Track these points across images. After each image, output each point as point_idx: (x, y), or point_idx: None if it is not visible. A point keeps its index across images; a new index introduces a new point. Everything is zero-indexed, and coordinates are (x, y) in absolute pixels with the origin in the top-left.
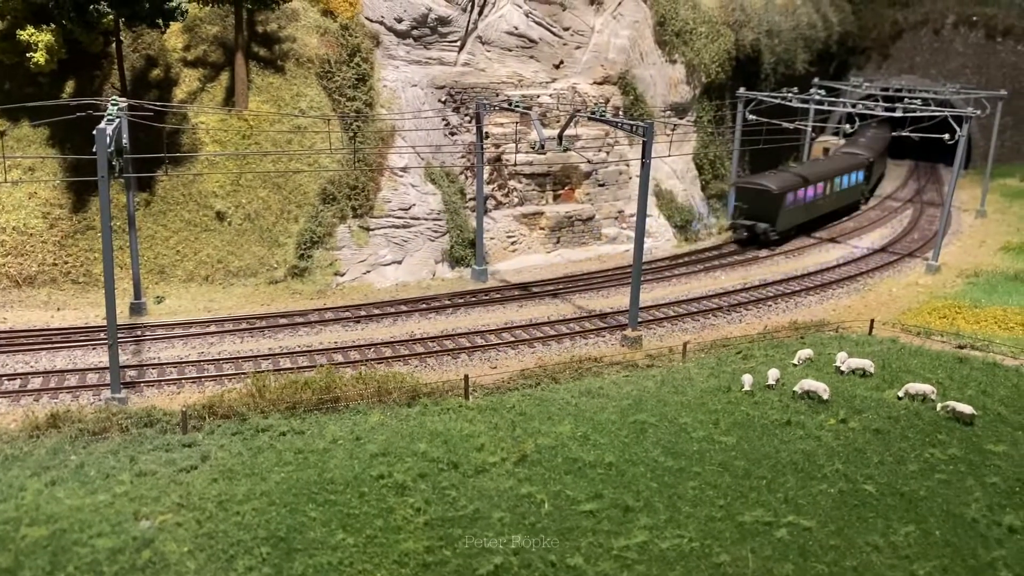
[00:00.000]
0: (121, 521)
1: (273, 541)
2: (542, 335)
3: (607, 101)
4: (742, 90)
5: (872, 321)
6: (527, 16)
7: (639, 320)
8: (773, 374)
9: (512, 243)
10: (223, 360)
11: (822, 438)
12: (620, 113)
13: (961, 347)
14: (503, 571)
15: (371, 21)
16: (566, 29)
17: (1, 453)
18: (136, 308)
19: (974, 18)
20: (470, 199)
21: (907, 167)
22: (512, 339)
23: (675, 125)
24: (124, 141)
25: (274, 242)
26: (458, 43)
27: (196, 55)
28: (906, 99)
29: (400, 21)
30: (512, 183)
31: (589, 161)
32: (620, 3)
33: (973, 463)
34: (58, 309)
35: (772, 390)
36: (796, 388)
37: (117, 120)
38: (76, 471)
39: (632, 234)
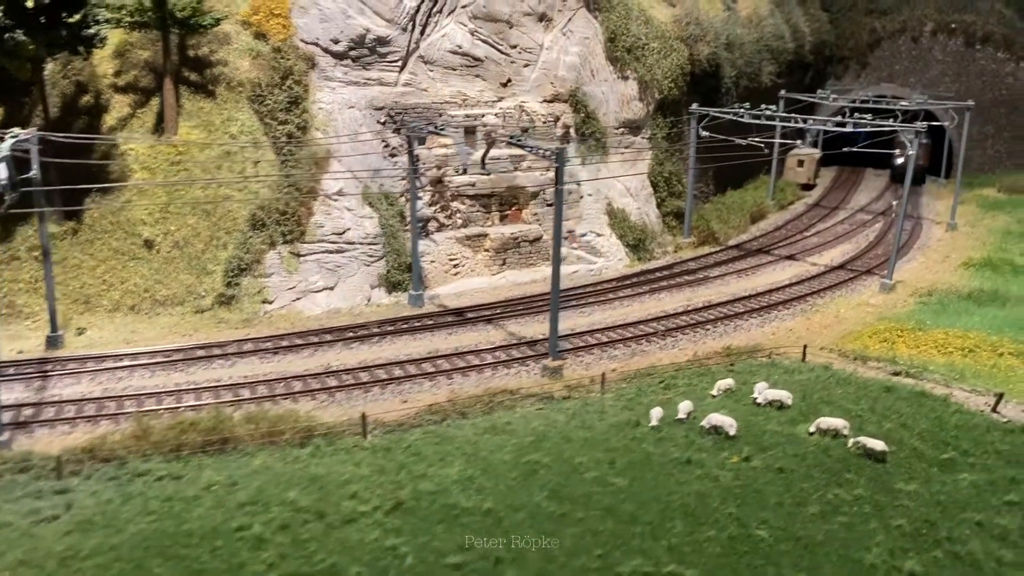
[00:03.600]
0: None
1: None
2: (465, 364)
3: (557, 119)
4: (695, 106)
5: (805, 347)
6: (472, 35)
7: (563, 349)
8: (684, 407)
9: (454, 266)
10: (125, 397)
11: (720, 478)
12: (571, 131)
13: (895, 374)
14: None
15: (306, 43)
16: (514, 47)
17: None
18: (53, 341)
19: (952, 25)
20: (410, 222)
21: (885, 178)
22: (433, 369)
23: (629, 144)
24: (33, 172)
25: (202, 270)
26: (399, 63)
27: (127, 80)
28: (856, 115)
29: (337, 42)
30: (455, 204)
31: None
32: (570, 20)
33: (879, 504)
34: None
35: (682, 424)
36: (704, 423)
37: (5, 155)
38: None
39: (582, 254)
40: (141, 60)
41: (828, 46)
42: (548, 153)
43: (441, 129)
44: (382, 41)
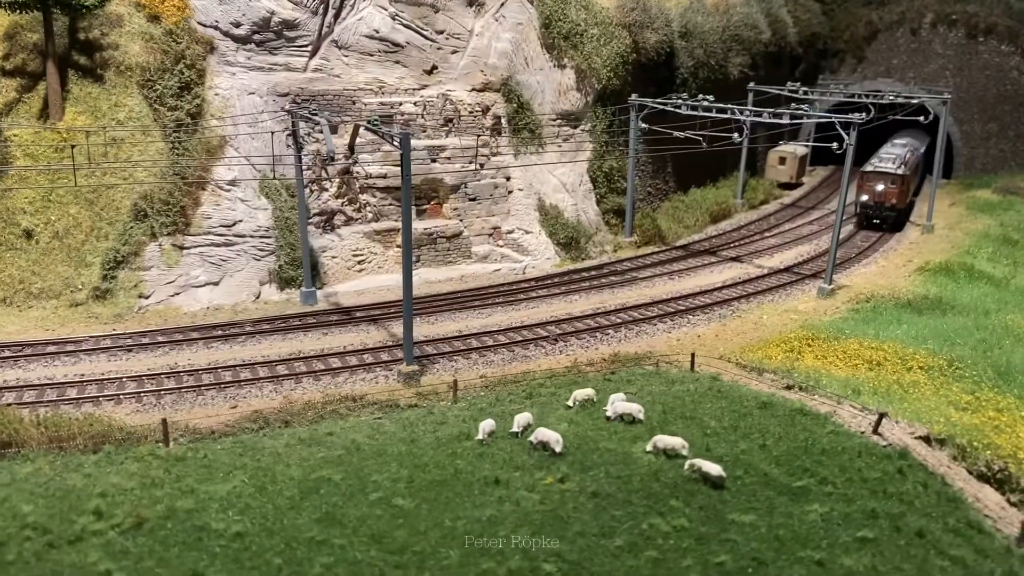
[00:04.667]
0: None
1: None
2: (321, 368)
3: (487, 109)
4: (633, 96)
5: (693, 355)
6: (393, 19)
7: (430, 354)
8: (521, 419)
9: (359, 262)
10: None
11: (522, 502)
12: (502, 122)
13: (788, 387)
14: None
15: (204, 26)
16: (440, 32)
17: None
18: None
19: (953, 17)
20: (315, 214)
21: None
22: (284, 372)
23: (567, 136)
24: None
25: (81, 261)
26: (309, 48)
27: (15, 64)
28: (793, 105)
29: (238, 26)
30: (365, 197)
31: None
32: (503, 4)
33: (703, 536)
34: None
35: (515, 439)
36: (532, 438)
37: None
38: None
39: (507, 252)
40: (30, 43)
41: (821, 39)
42: (393, 138)
43: (314, 113)
44: (289, 25)
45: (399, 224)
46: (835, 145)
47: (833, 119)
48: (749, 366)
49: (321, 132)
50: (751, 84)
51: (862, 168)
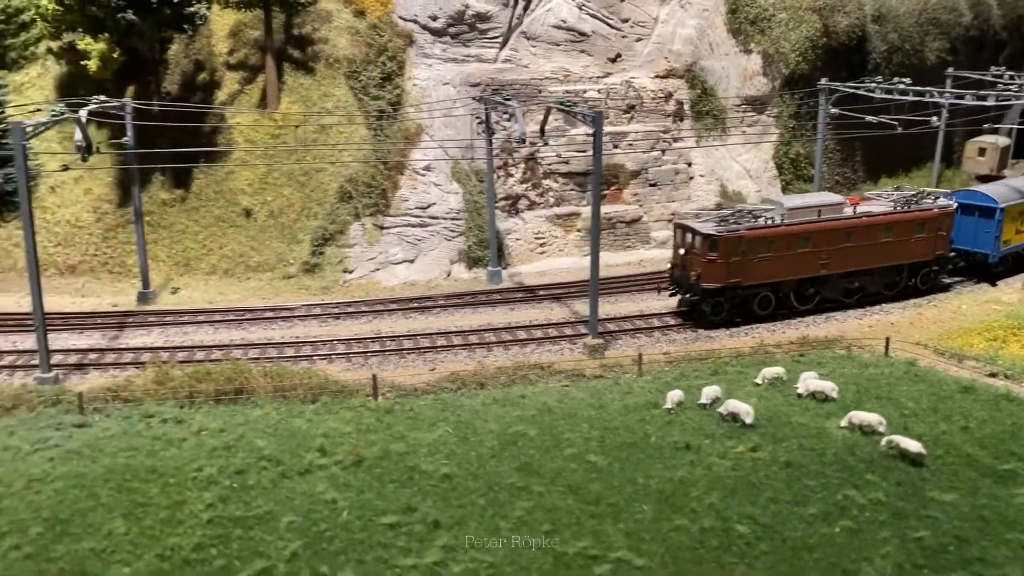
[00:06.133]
0: None
1: (51, 523)
2: (509, 339)
3: (669, 96)
4: (823, 81)
5: (888, 340)
6: (579, 8)
7: (613, 330)
8: (709, 392)
9: (541, 245)
10: (178, 348)
11: (714, 467)
12: (685, 108)
13: (991, 375)
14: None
15: (404, 20)
16: (625, 21)
17: None
18: (143, 297)
19: None
20: (501, 198)
21: None
22: (477, 341)
23: (752, 122)
24: (126, 138)
25: (293, 238)
26: (500, 39)
27: (238, 59)
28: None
29: (435, 19)
30: (547, 182)
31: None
32: None
33: (900, 512)
34: (82, 296)
35: (703, 410)
36: (721, 409)
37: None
38: None
39: None
40: (251, 39)
41: None
42: (586, 116)
43: (507, 99)
44: (482, 17)
45: (579, 209)
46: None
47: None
48: (948, 353)
49: (509, 120)
50: (949, 70)
51: None
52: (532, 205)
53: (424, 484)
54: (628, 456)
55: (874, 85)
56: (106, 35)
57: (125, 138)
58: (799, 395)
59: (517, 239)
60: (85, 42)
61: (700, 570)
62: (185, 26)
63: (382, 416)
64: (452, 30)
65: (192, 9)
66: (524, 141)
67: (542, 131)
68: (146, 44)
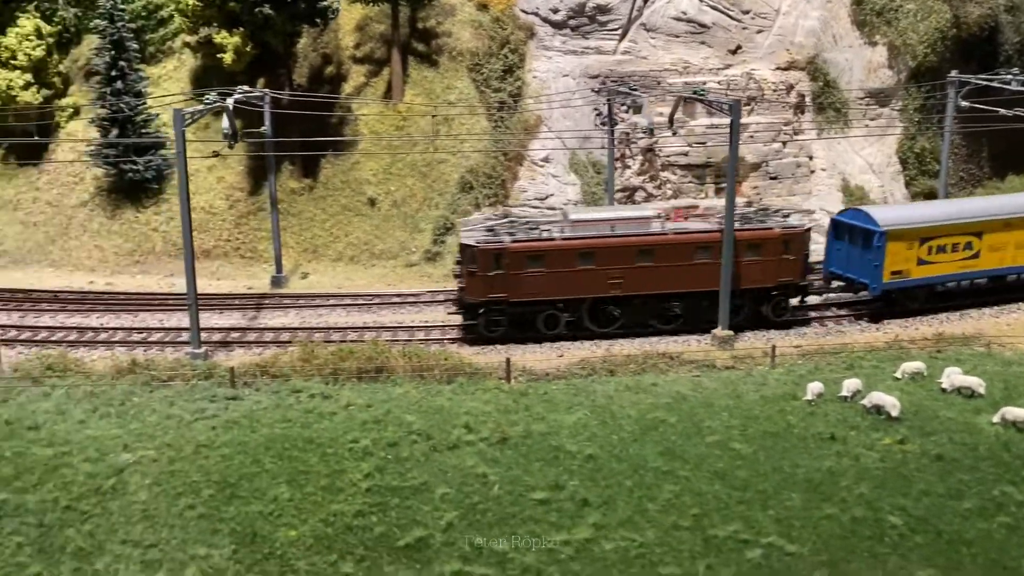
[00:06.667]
0: (109, 452)
1: (221, 486)
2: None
3: (790, 88)
4: (953, 73)
5: None
6: (700, 0)
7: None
8: (850, 384)
9: None
10: (314, 329)
11: (862, 458)
12: (806, 100)
13: None
14: (423, 544)
15: (526, 13)
16: (746, 12)
17: (84, 389)
18: (276, 281)
19: None
20: (618, 190)
21: None
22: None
23: (876, 115)
24: (264, 127)
25: (415, 227)
26: (619, 31)
27: (364, 52)
28: None
29: (556, 12)
30: (665, 174)
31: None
32: None
33: None
34: (217, 279)
35: (844, 402)
36: (865, 401)
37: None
38: (121, 408)
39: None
40: (377, 33)
41: None
42: (723, 105)
43: (633, 89)
44: (603, 9)
45: (697, 201)
46: None
47: None
48: None
49: (627, 112)
50: None
51: None
52: (649, 197)
53: (569, 464)
54: (772, 445)
55: (1010, 77)
56: (241, 29)
57: (263, 127)
58: (943, 390)
59: None
60: (221, 36)
61: (852, 559)
62: (317, 20)
63: (517, 398)
64: (572, 22)
65: (325, 3)
66: (653, 132)
67: (671, 121)
68: (278, 38)
